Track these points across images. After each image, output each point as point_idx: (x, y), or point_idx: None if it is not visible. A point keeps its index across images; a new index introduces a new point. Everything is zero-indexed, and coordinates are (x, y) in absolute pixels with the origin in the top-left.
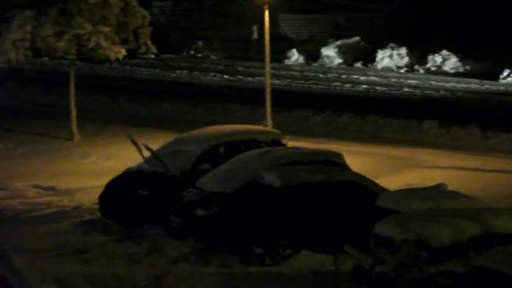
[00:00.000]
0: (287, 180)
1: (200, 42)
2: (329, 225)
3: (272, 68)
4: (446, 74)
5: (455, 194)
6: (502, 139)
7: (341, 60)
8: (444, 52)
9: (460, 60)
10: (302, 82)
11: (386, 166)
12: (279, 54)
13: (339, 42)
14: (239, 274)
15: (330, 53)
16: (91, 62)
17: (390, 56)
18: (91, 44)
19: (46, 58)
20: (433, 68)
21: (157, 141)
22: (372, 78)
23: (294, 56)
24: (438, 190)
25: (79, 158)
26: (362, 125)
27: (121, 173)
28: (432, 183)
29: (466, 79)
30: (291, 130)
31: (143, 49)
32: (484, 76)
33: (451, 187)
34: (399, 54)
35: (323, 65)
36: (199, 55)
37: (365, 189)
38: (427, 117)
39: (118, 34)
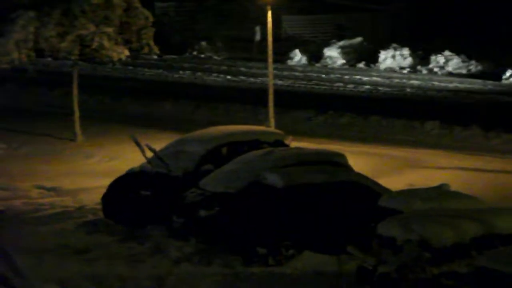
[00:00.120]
0: (290, 181)
1: (203, 43)
2: (331, 226)
3: (275, 69)
4: (449, 74)
5: (457, 195)
6: (504, 140)
7: (343, 61)
8: (447, 52)
9: (463, 61)
10: (304, 82)
11: (389, 167)
12: (282, 55)
13: (341, 43)
14: (241, 275)
15: (332, 53)
16: (94, 63)
17: (393, 56)
18: (94, 44)
19: (49, 59)
20: (435, 69)
21: (160, 142)
22: (374, 78)
23: (297, 57)
24: (440, 191)
25: (82, 158)
26: (365, 126)
27: (124, 174)
28: (435, 184)
29: (469, 80)
30: (293, 130)
31: (146, 49)
32: (487, 76)
33: (453, 187)
34: (401, 55)
35: (325, 66)
36: (202, 55)
37: (367, 190)
38: (429, 118)
39: (121, 35)
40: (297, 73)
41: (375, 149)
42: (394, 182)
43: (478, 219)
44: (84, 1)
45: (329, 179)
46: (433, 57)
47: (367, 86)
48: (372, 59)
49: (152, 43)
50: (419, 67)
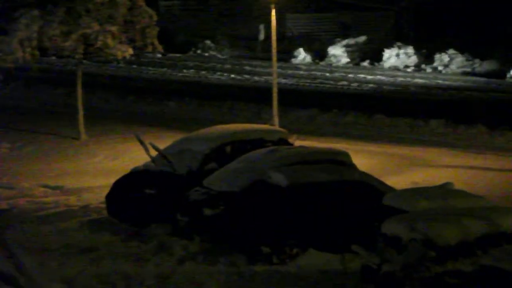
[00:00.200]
0: (294, 179)
1: (207, 42)
2: (336, 224)
3: (279, 67)
4: (453, 73)
5: (462, 193)
6: (509, 138)
7: (348, 59)
8: (451, 51)
9: (467, 59)
10: (309, 81)
11: (393, 165)
12: (286, 53)
13: (346, 41)
14: (246, 273)
15: (337, 52)
16: (98, 62)
17: (397, 55)
18: (98, 43)
19: (53, 58)
20: (440, 67)
21: (164, 140)
22: (379, 77)
23: (301, 55)
24: (444, 189)
25: (86, 157)
26: (369, 124)
27: (128, 172)
28: (439, 182)
29: (473, 78)
30: (297, 129)
31: (150, 48)
32: (491, 75)
33: (457, 186)
34: (406, 53)
35: (330, 64)
36: (206, 54)
37: (372, 188)
38: (434, 116)
39: (125, 34)
40: (301, 72)
41: (379, 148)
42: (398, 180)
43: (483, 217)
44: (88, 0)
45: (333, 178)
46: (437, 56)
47: (372, 85)
48: (377, 57)
49: (156, 41)
50: (423, 66)
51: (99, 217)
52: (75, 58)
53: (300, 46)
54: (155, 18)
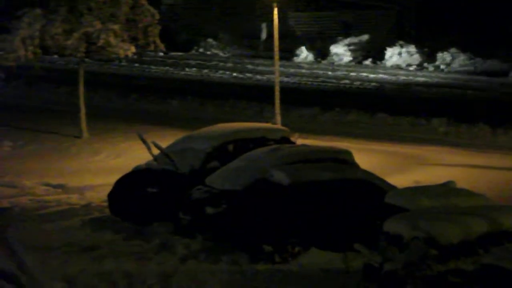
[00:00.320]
0: (296, 178)
1: (209, 40)
2: (338, 223)
3: (281, 66)
4: (456, 71)
5: (464, 192)
6: (511, 137)
7: (350, 58)
8: (453, 50)
9: (469, 58)
10: (311, 79)
11: (395, 164)
12: (288, 52)
13: (348, 40)
14: (248, 272)
15: (339, 50)
16: (100, 60)
17: (399, 54)
18: (100, 42)
19: (55, 56)
20: (442, 66)
21: (166, 139)
22: (381, 76)
23: (303, 54)
24: (447, 188)
25: (88, 155)
26: (371, 123)
27: (130, 171)
28: (441, 181)
29: (476, 77)
30: (300, 127)
31: (152, 47)
32: (493, 73)
33: (460, 184)
34: (408, 52)
35: (332, 63)
36: (208, 52)
37: (374, 187)
38: (436, 115)
39: (127, 32)
40: (303, 70)
41: (381, 146)
42: (400, 179)
43: (485, 216)
44: None
45: (335, 176)
46: (439, 55)
47: (374, 83)
48: (379, 56)
49: (158, 40)
50: (425, 64)
51: (101, 216)
52: (77, 56)
53: (302, 45)
54: (157, 16)
